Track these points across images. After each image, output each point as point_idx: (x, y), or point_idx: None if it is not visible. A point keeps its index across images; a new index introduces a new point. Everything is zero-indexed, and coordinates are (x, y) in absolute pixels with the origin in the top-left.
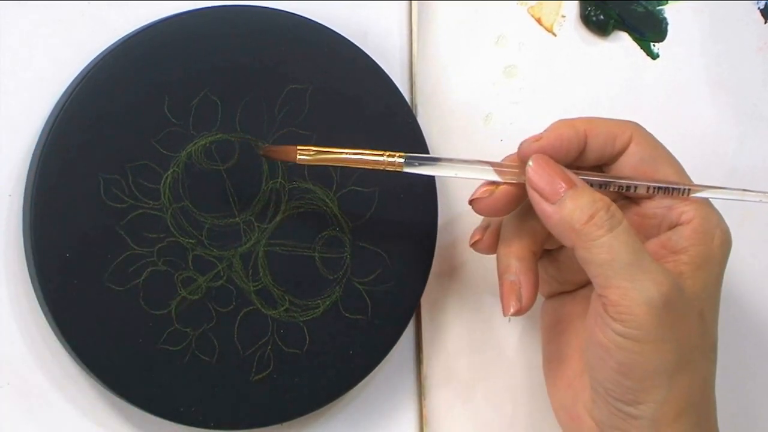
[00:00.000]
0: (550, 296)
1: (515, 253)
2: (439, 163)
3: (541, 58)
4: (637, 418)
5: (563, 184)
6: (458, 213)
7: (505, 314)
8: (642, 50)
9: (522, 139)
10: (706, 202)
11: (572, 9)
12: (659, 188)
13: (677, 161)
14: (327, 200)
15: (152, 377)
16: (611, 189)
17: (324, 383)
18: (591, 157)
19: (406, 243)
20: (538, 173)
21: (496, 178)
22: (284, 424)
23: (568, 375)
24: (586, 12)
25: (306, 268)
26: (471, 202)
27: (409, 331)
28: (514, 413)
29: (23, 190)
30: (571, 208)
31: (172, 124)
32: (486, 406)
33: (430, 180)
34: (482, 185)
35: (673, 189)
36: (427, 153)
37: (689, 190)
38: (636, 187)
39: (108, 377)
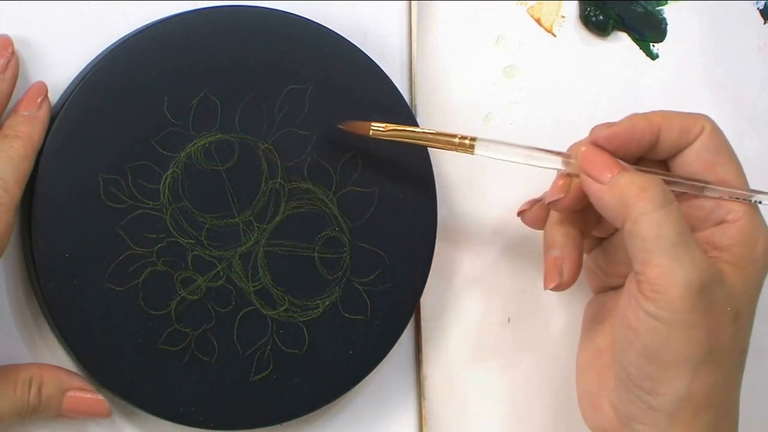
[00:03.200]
0: (598, 292)
1: (562, 230)
2: (508, 147)
3: (541, 58)
4: (655, 410)
5: (615, 168)
6: (458, 213)
7: (545, 287)
8: (641, 50)
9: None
10: (754, 206)
11: (572, 9)
12: (729, 196)
13: (738, 160)
14: (326, 200)
15: (152, 377)
16: (676, 188)
17: (324, 383)
18: (663, 152)
19: (405, 243)
20: (589, 157)
21: (561, 167)
22: (284, 424)
23: (598, 365)
24: (586, 12)
25: (305, 268)
26: (549, 204)
27: (409, 331)
28: (513, 413)
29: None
30: (625, 183)
31: (171, 124)
32: (485, 406)
33: (430, 180)
34: (556, 185)
35: (744, 198)
36: (427, 153)
37: (760, 201)
38: (704, 189)
39: (108, 377)
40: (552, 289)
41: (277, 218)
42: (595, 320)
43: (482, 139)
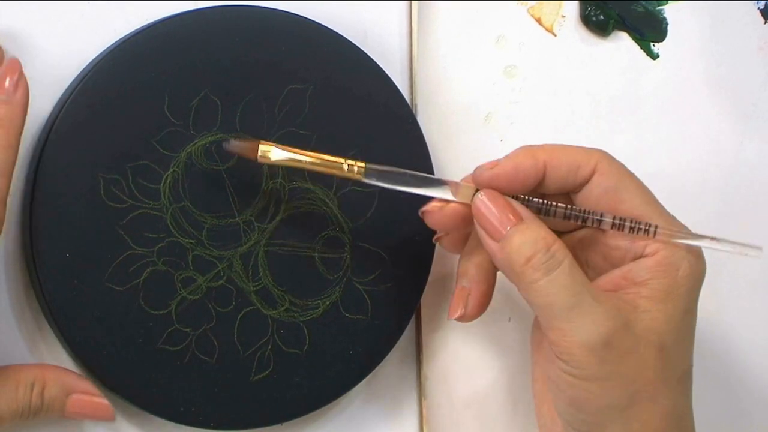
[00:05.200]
0: None
1: (475, 261)
2: (398, 177)
3: (541, 58)
4: None
5: (508, 222)
6: None
7: (449, 317)
8: (642, 50)
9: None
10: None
11: (572, 9)
12: (622, 225)
13: (647, 190)
14: (327, 200)
15: (152, 377)
16: (575, 220)
17: (324, 383)
18: (552, 187)
19: (406, 243)
20: (483, 209)
21: (450, 197)
22: (284, 424)
23: (549, 398)
24: (586, 12)
25: (306, 268)
26: (422, 213)
27: (409, 331)
28: (514, 413)
29: (23, 190)
30: (513, 248)
31: (172, 124)
32: (486, 406)
33: None
34: (436, 198)
35: (638, 228)
36: (427, 153)
37: (655, 231)
38: (600, 222)
39: (108, 377)
40: (456, 320)
41: (278, 218)
42: (540, 347)
43: (371, 167)
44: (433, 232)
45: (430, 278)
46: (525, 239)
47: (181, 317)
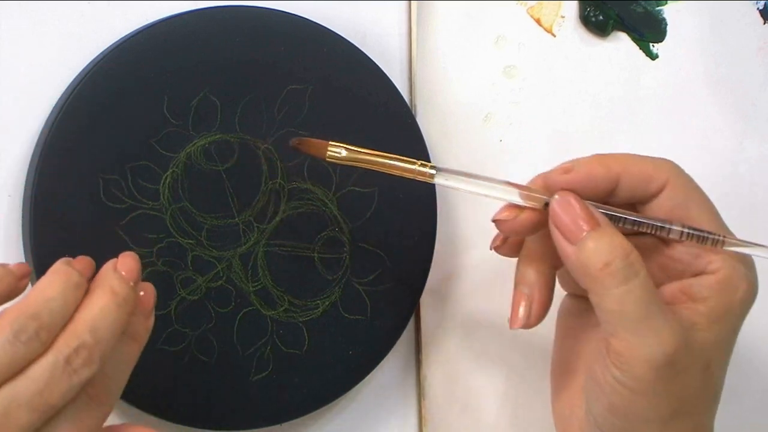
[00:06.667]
0: (571, 293)
1: (535, 266)
2: (468, 179)
3: (541, 58)
4: None
5: (585, 226)
6: (457, 213)
7: (511, 326)
8: (641, 50)
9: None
10: (735, 255)
11: (572, 9)
12: (692, 234)
13: (713, 206)
14: (326, 200)
15: (152, 377)
16: (644, 229)
17: (324, 383)
18: (622, 197)
19: (405, 243)
20: (561, 211)
21: (520, 201)
22: (284, 424)
23: (570, 388)
24: (586, 12)
25: (305, 268)
26: (495, 221)
27: (409, 331)
28: (513, 413)
29: (23, 190)
30: (589, 252)
31: (171, 124)
32: (485, 406)
33: None
34: (507, 206)
35: (706, 237)
36: (426, 153)
37: (723, 241)
38: (669, 231)
39: None
40: (518, 328)
41: (277, 218)
42: (568, 335)
43: (442, 169)
44: (433, 233)
45: (429, 278)
46: (602, 244)
47: (180, 318)
